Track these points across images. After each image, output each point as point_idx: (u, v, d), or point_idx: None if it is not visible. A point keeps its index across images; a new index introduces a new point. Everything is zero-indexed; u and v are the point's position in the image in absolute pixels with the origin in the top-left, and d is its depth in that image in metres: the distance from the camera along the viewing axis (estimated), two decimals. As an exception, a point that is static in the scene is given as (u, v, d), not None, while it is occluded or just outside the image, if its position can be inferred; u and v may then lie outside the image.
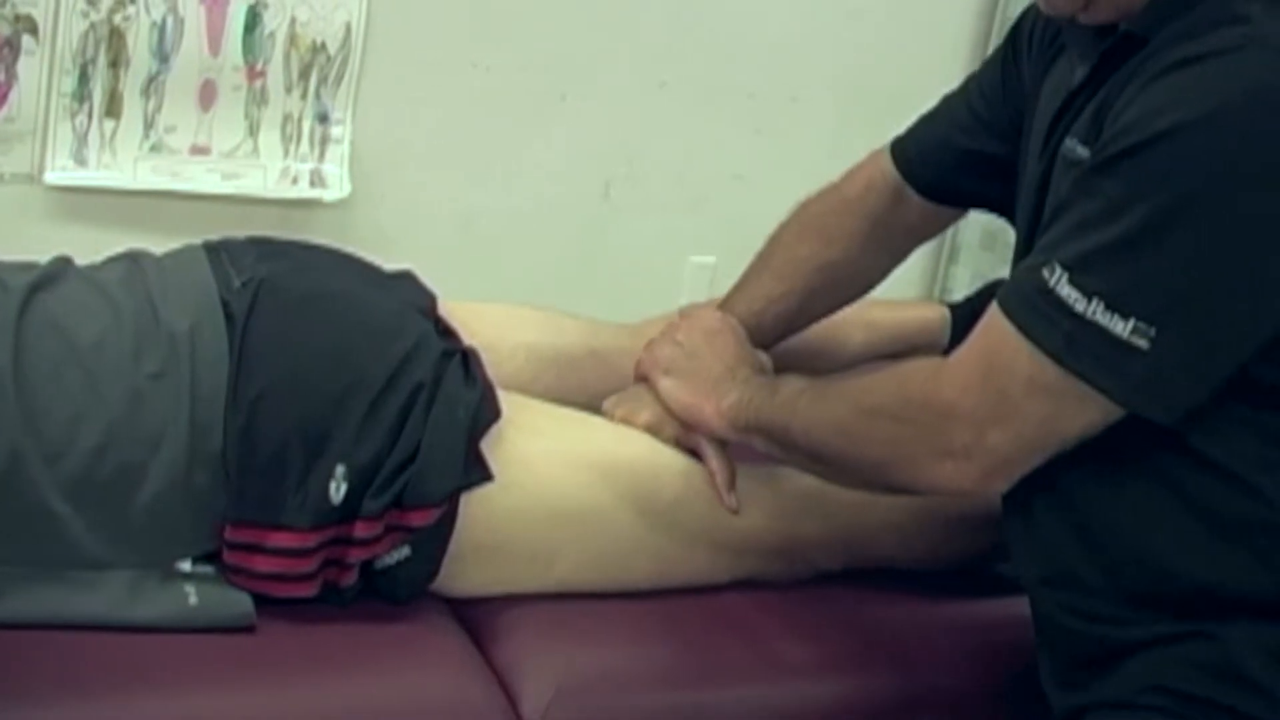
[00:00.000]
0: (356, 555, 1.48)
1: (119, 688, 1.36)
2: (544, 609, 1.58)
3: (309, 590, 1.47)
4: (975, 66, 1.74)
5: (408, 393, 1.49)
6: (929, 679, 1.61)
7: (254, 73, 2.14)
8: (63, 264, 1.57)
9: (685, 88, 2.42)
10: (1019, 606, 1.50)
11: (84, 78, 2.06)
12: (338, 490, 1.45)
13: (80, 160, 2.10)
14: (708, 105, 2.45)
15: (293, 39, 2.15)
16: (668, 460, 1.62)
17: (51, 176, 2.09)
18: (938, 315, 2.03)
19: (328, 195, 2.23)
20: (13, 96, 2.03)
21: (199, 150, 2.15)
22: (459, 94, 2.29)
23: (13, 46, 2.00)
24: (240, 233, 1.68)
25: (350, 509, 1.46)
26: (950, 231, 2.67)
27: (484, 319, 1.72)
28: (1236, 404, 1.29)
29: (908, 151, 1.74)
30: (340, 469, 1.45)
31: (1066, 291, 1.25)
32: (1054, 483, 1.35)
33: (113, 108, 2.09)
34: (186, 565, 1.46)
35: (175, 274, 1.55)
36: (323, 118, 2.20)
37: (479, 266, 2.29)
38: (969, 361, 1.33)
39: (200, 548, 1.46)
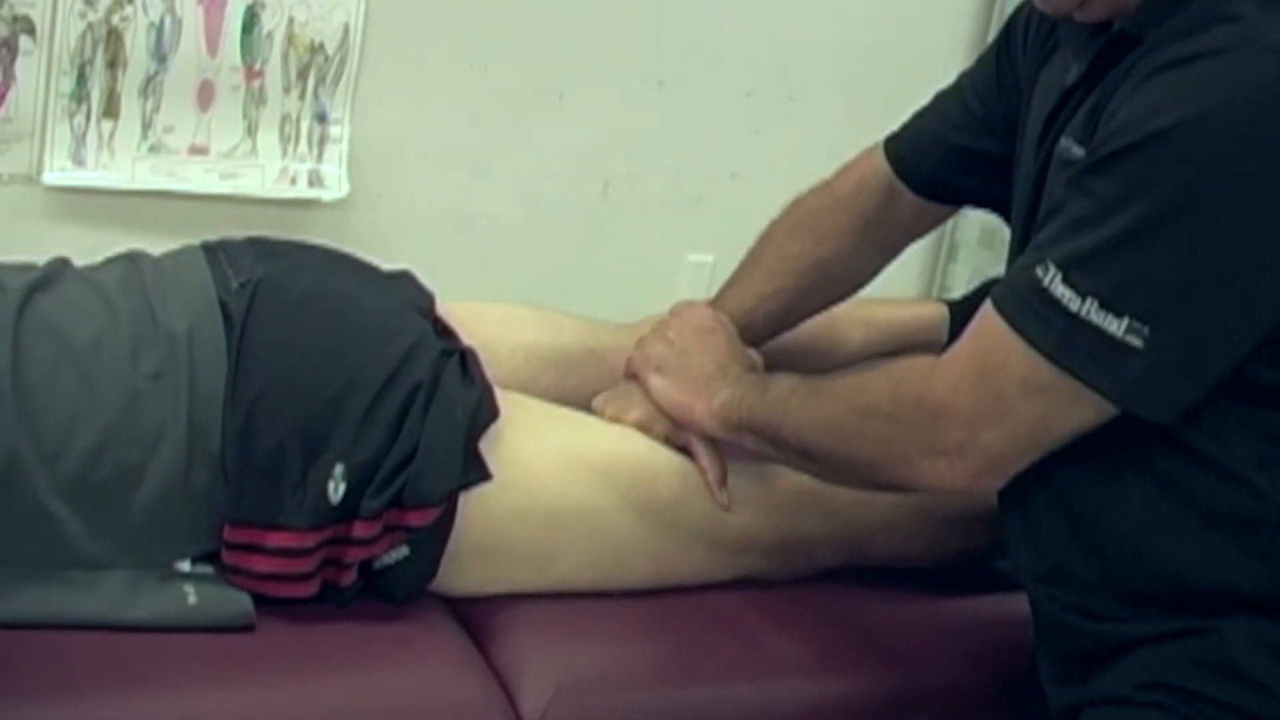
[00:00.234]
0: (355, 555, 1.48)
1: (118, 687, 1.36)
2: (543, 608, 1.58)
3: (308, 590, 1.47)
4: (973, 66, 1.74)
5: (406, 392, 1.49)
6: (928, 676, 1.62)
7: (252, 73, 2.14)
8: (61, 265, 1.57)
9: (683, 87, 2.42)
10: (1017, 604, 1.51)
11: (82, 78, 2.06)
12: (336, 490, 1.45)
13: (78, 160, 2.09)
14: (706, 104, 2.45)
15: (291, 39, 2.15)
16: (666, 460, 1.63)
17: (50, 177, 2.09)
18: (936, 313, 2.03)
19: (326, 195, 2.23)
20: (10, 97, 2.03)
21: (197, 150, 2.15)
22: (457, 93, 2.28)
23: (10, 47, 2.00)
24: (239, 233, 1.68)
25: (349, 509, 1.46)
26: (949, 229, 2.67)
27: (482, 319, 1.73)
28: (1232, 402, 1.29)
29: (901, 149, 1.74)
30: (339, 468, 1.45)
31: (1060, 291, 1.25)
32: (1052, 481, 1.36)
33: (111, 108, 2.09)
34: (185, 565, 1.46)
35: (173, 275, 1.55)
36: (321, 118, 2.20)
37: (477, 266, 2.28)
38: (962, 360, 1.33)
39: (199, 548, 1.46)
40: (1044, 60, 1.51)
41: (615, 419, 1.67)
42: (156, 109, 2.11)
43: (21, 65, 2.01)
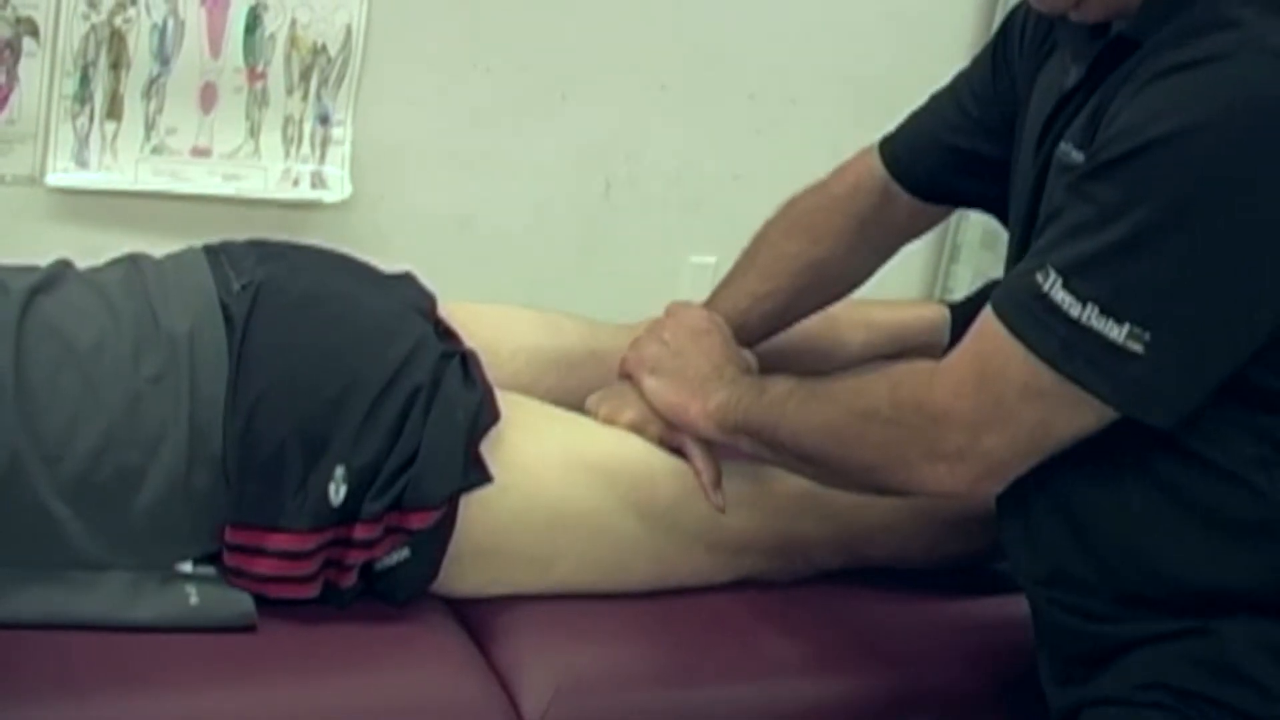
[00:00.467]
0: (356, 557, 1.48)
1: (119, 687, 1.36)
2: (544, 609, 1.58)
3: (309, 592, 1.47)
4: (975, 68, 1.74)
5: (407, 395, 1.49)
6: (928, 678, 1.62)
7: (255, 74, 2.14)
8: (63, 267, 1.57)
9: (685, 89, 2.42)
10: (1017, 605, 1.51)
11: (85, 80, 2.06)
12: (337, 492, 1.45)
13: (81, 162, 2.10)
14: (708, 106, 2.45)
15: (293, 41, 2.15)
16: (665, 462, 1.62)
17: (53, 178, 2.09)
18: (937, 315, 2.03)
19: (328, 197, 2.23)
20: (14, 98, 2.03)
21: (200, 152, 2.16)
22: (460, 95, 2.29)
23: (14, 49, 2.01)
24: (241, 234, 1.68)
25: (350, 511, 1.46)
26: (951, 230, 2.67)
27: (484, 320, 1.72)
28: (1232, 406, 1.29)
29: (897, 150, 1.74)
30: (339, 471, 1.45)
31: (1061, 296, 1.25)
32: (1051, 484, 1.36)
33: (114, 110, 2.09)
34: (187, 567, 1.46)
35: (175, 277, 1.55)
36: (323, 119, 2.20)
37: (479, 267, 2.29)
38: (963, 365, 1.33)
39: (200, 550, 1.46)
40: (1041, 61, 1.51)
41: (609, 420, 1.67)
42: (159, 110, 2.11)
43: (25, 67, 2.02)
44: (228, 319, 1.49)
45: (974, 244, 2.68)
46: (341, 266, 1.67)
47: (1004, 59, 1.62)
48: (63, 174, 2.09)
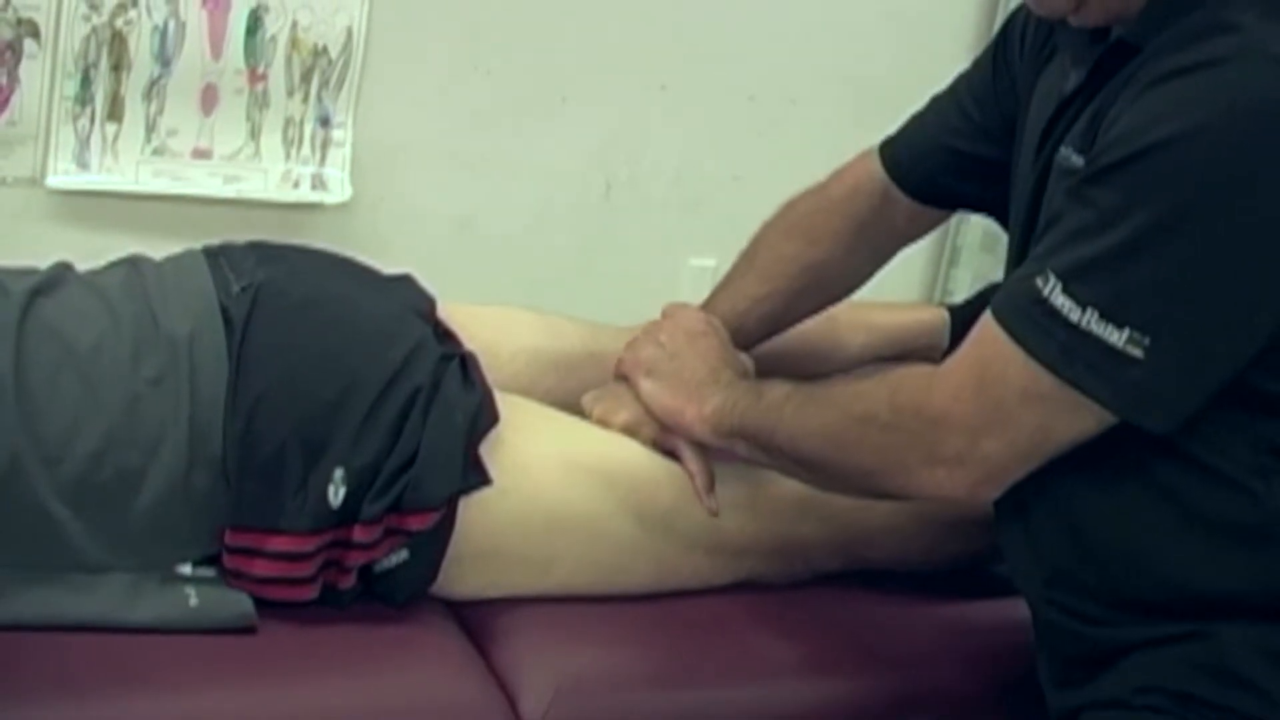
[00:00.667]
0: (355, 559, 1.48)
1: (119, 688, 1.36)
2: (543, 610, 1.58)
3: (308, 594, 1.47)
4: (976, 69, 1.74)
5: (406, 397, 1.49)
6: (927, 680, 1.62)
7: (255, 76, 2.15)
8: (63, 269, 1.57)
9: (685, 90, 2.42)
10: (1016, 608, 1.51)
11: (86, 81, 2.06)
12: (336, 494, 1.45)
13: (82, 163, 2.10)
14: (708, 107, 2.45)
15: (294, 42, 2.15)
16: (665, 465, 1.62)
17: (53, 180, 2.09)
18: (937, 318, 2.03)
19: (329, 198, 2.24)
20: (15, 100, 2.04)
21: (200, 153, 2.16)
22: (460, 97, 2.29)
23: (15, 50, 2.01)
24: (241, 236, 1.68)
25: (349, 512, 1.46)
26: (951, 234, 2.68)
27: (483, 322, 1.72)
28: (1232, 411, 1.29)
29: (897, 153, 1.74)
30: (339, 472, 1.45)
31: (1061, 301, 1.25)
32: (1050, 488, 1.36)
33: (115, 111, 2.09)
34: (186, 568, 1.46)
35: (174, 279, 1.55)
36: (324, 121, 2.21)
37: (479, 269, 2.29)
38: (962, 370, 1.33)
39: (200, 551, 1.46)
40: (1042, 65, 1.51)
41: (602, 420, 1.66)
42: (160, 112, 2.12)
43: (26, 68, 2.02)
44: (227, 321, 1.49)
45: (974, 247, 2.68)
46: (341, 268, 1.67)
47: (1004, 62, 1.62)
48: (63, 175, 2.10)
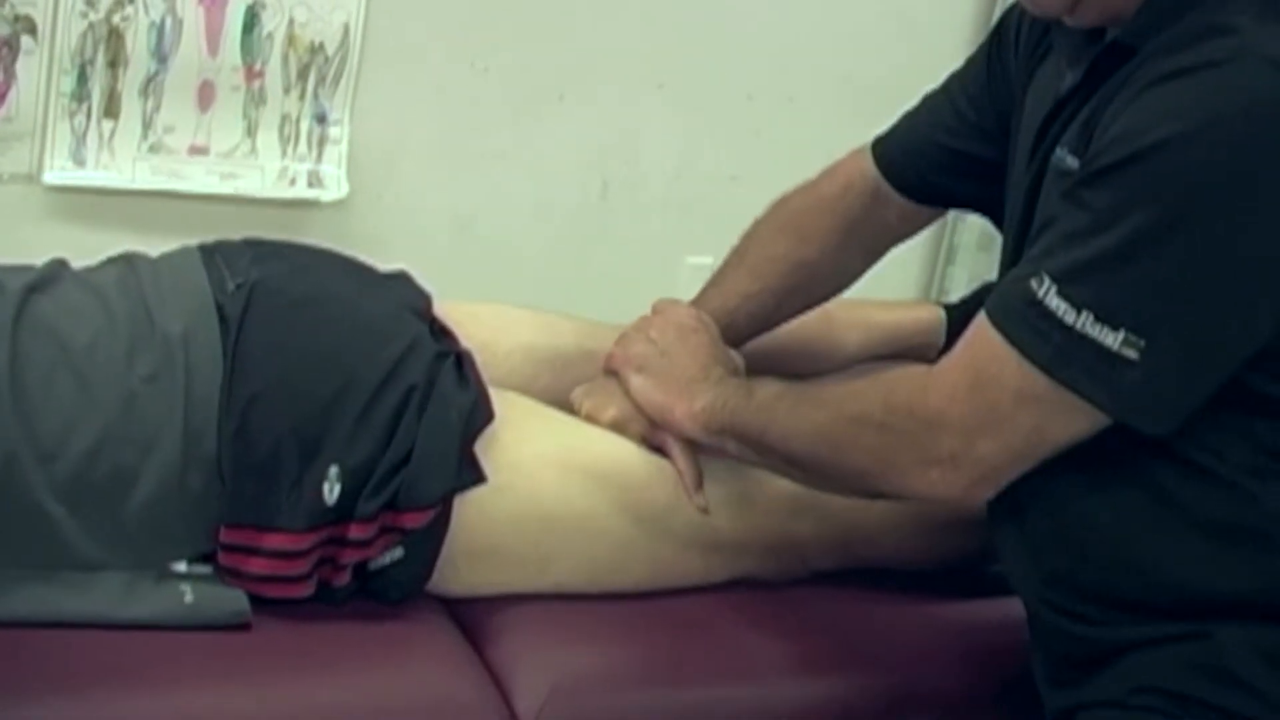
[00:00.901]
0: (350, 556, 1.48)
1: (114, 685, 1.37)
2: (539, 608, 1.58)
3: (303, 591, 1.47)
4: (974, 69, 1.74)
5: (400, 395, 1.49)
6: (923, 679, 1.62)
7: (252, 73, 2.15)
8: (58, 266, 1.57)
9: (683, 89, 2.42)
10: (1013, 607, 1.51)
11: (83, 78, 2.06)
12: (331, 492, 1.45)
13: (79, 160, 2.10)
14: (705, 106, 2.45)
15: (291, 40, 2.15)
16: (661, 464, 1.61)
17: (50, 176, 2.09)
18: (933, 316, 2.03)
19: (325, 196, 2.24)
20: (11, 96, 2.04)
21: (197, 150, 2.16)
22: (457, 95, 2.29)
23: (11, 47, 2.01)
24: (237, 233, 1.68)
25: (344, 510, 1.46)
26: (947, 233, 2.68)
27: (480, 320, 1.72)
28: (1228, 412, 1.29)
29: (889, 152, 1.74)
30: (334, 470, 1.45)
31: (1056, 303, 1.25)
32: (1046, 489, 1.35)
33: (111, 108, 2.09)
34: (182, 566, 1.46)
35: (170, 277, 1.55)
36: (320, 118, 2.21)
37: (476, 267, 2.29)
38: (956, 371, 1.33)
39: (195, 549, 1.46)
40: (1036, 65, 1.51)
41: (591, 415, 1.65)
42: (157, 109, 2.12)
43: (22, 64, 2.02)
44: (222, 319, 1.49)
45: (970, 246, 2.68)
46: (337, 266, 1.67)
47: (999, 60, 1.61)
48: (60, 172, 2.09)
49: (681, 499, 1.59)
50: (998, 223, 1.60)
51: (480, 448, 1.52)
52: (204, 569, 1.47)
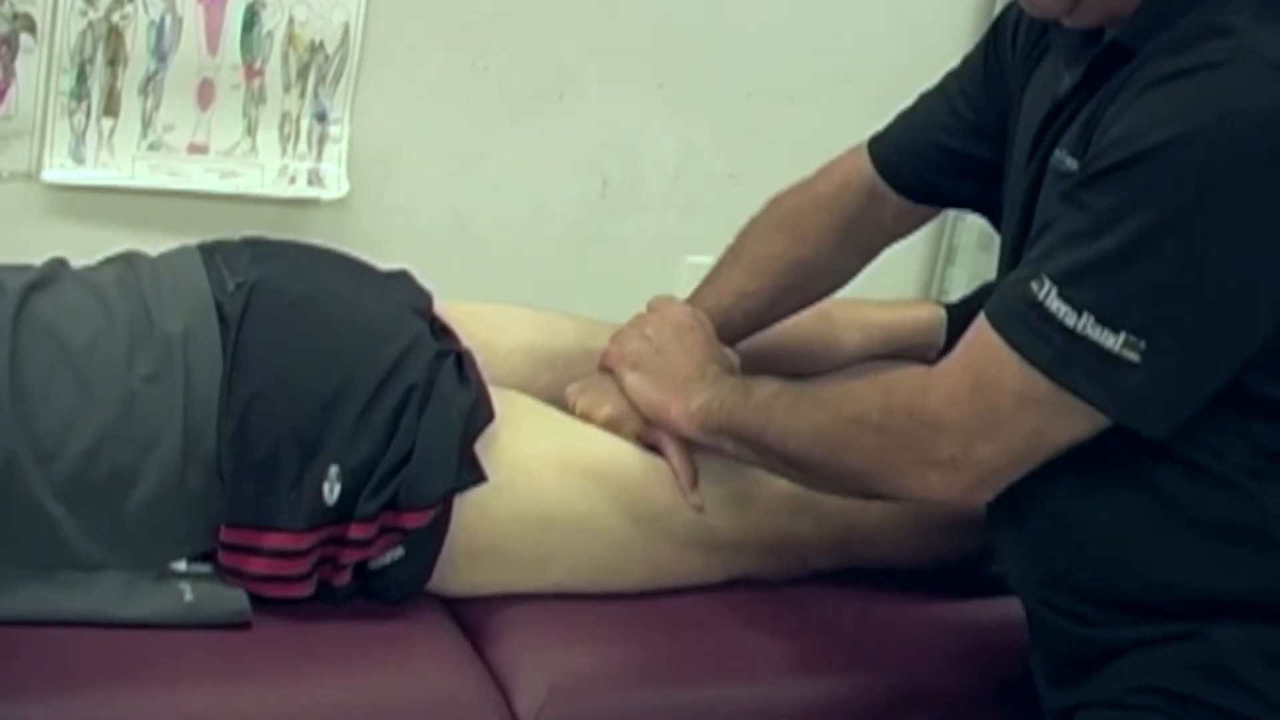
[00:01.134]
0: (350, 556, 1.48)
1: (114, 684, 1.37)
2: (539, 608, 1.58)
3: (303, 591, 1.47)
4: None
5: (401, 394, 1.49)
6: (922, 679, 1.62)
7: (252, 72, 2.15)
8: (58, 265, 1.57)
9: (683, 88, 2.42)
10: (1012, 607, 1.51)
11: (82, 76, 2.06)
12: (331, 491, 1.45)
13: (78, 158, 2.10)
14: (705, 106, 2.45)
15: (291, 38, 2.15)
16: (660, 464, 1.61)
17: (49, 174, 2.09)
18: (933, 315, 2.04)
19: (325, 194, 2.23)
20: (11, 94, 2.03)
21: (197, 149, 2.16)
22: (457, 93, 2.29)
23: (11, 45, 2.01)
24: (237, 231, 1.68)
25: (344, 510, 1.46)
26: (947, 233, 2.67)
27: (480, 319, 1.72)
28: (1227, 413, 1.29)
29: (886, 151, 1.73)
30: (334, 470, 1.45)
31: (1056, 305, 1.25)
32: (1045, 490, 1.35)
33: (111, 106, 2.09)
34: (182, 565, 1.46)
35: (170, 276, 1.55)
36: (320, 117, 2.21)
37: (476, 266, 2.29)
38: (956, 373, 1.33)
39: (195, 549, 1.46)
40: (1034, 65, 1.50)
41: (585, 413, 1.65)
42: (156, 107, 2.11)
43: (22, 62, 2.02)
44: (222, 318, 1.49)
45: (970, 246, 2.68)
46: (337, 265, 1.67)
47: (996, 61, 1.61)
48: (59, 170, 2.09)
49: (681, 499, 1.59)
50: (995, 222, 1.60)
51: (480, 447, 1.52)
52: (204, 568, 1.47)
